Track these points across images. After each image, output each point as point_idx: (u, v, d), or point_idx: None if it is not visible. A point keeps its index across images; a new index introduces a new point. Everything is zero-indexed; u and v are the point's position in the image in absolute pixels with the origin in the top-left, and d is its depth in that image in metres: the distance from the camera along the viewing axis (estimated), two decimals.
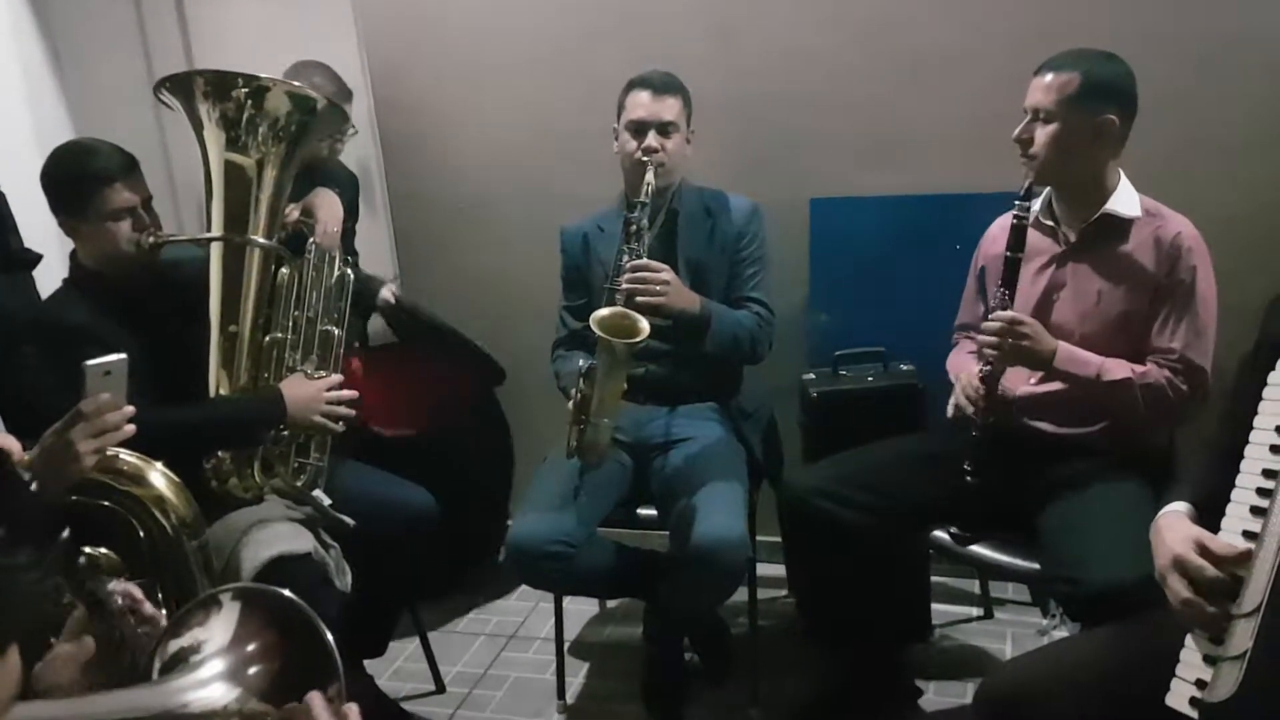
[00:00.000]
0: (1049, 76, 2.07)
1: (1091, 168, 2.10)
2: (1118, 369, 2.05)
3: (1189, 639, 1.42)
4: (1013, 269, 2.10)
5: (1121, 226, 2.11)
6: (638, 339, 2.20)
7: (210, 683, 1.09)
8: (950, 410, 2.24)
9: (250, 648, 1.13)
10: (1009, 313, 2.07)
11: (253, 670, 1.11)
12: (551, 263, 2.67)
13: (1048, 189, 2.21)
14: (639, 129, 2.43)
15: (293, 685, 1.11)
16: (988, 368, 2.12)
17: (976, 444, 2.14)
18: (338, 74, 2.91)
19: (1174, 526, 1.51)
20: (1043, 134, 2.07)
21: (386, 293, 2.98)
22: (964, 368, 2.26)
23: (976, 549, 2.20)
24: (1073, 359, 2.07)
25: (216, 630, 1.15)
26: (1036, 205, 2.21)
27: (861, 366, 2.71)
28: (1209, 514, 1.51)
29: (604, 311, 2.25)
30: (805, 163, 2.87)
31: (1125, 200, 2.11)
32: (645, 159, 2.38)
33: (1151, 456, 2.10)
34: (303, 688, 1.11)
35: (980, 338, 2.12)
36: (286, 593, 1.18)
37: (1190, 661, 1.41)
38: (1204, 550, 1.43)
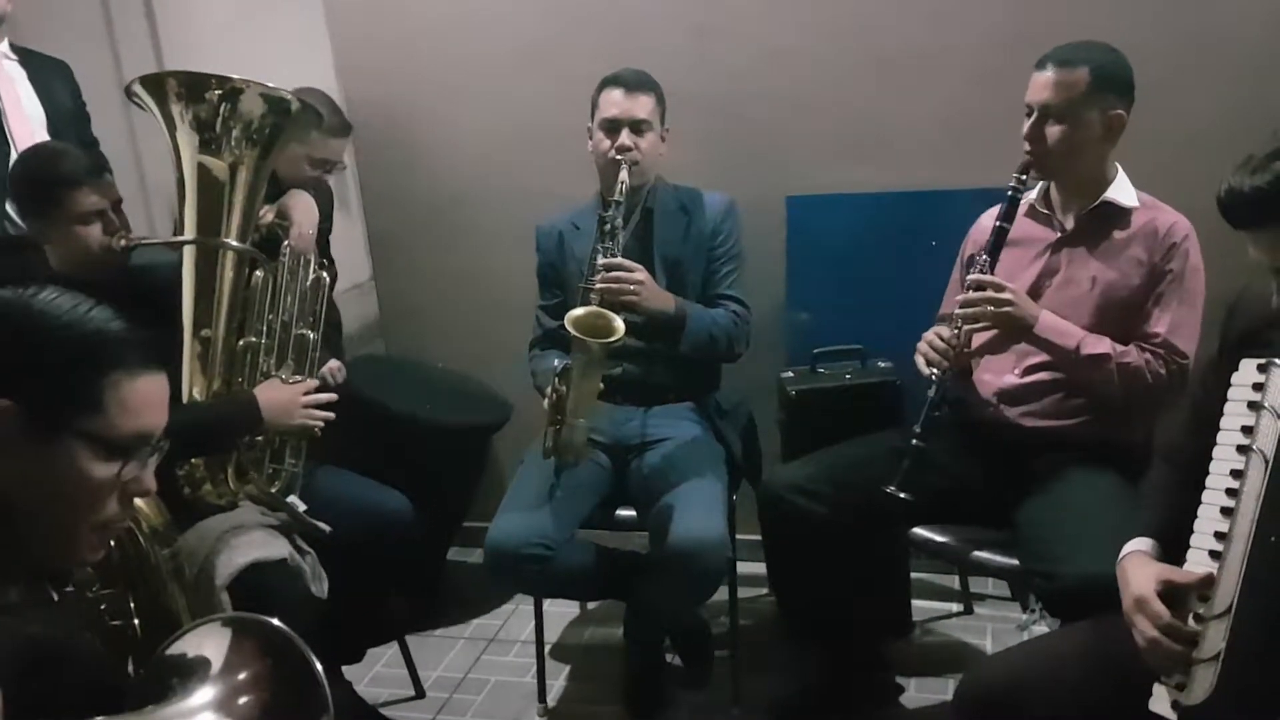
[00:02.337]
0: (1054, 73, 2.04)
1: (1097, 161, 2.11)
2: (1098, 344, 2.05)
3: None
4: (999, 238, 2.09)
5: (1120, 215, 2.12)
6: (613, 338, 2.20)
7: (199, 712, 1.07)
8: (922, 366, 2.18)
9: (241, 676, 1.12)
10: (990, 277, 2.07)
11: (242, 700, 1.10)
12: (527, 262, 2.66)
13: None
14: (612, 127, 2.42)
15: (282, 716, 1.10)
16: (956, 331, 2.10)
17: (932, 407, 2.11)
18: (338, 105, 2.85)
19: (1137, 568, 1.52)
20: (1054, 132, 2.06)
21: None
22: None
23: (955, 543, 2.20)
24: (1055, 328, 2.07)
25: (206, 657, 1.14)
26: (1034, 193, 2.21)
27: (840, 364, 2.71)
28: (1173, 542, 1.52)
29: (579, 311, 2.25)
30: (781, 160, 2.86)
31: (1124, 190, 2.12)
32: (619, 158, 2.38)
33: (1130, 450, 2.10)
34: (292, 718, 1.10)
35: (959, 307, 2.10)
36: (277, 623, 1.17)
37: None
38: (1169, 587, 1.44)
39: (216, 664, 1.13)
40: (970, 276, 2.10)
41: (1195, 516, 1.46)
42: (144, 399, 1.15)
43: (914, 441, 2.09)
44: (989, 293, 2.06)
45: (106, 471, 1.13)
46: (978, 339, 2.17)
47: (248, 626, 1.18)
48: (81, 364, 1.11)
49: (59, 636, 1.23)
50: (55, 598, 1.26)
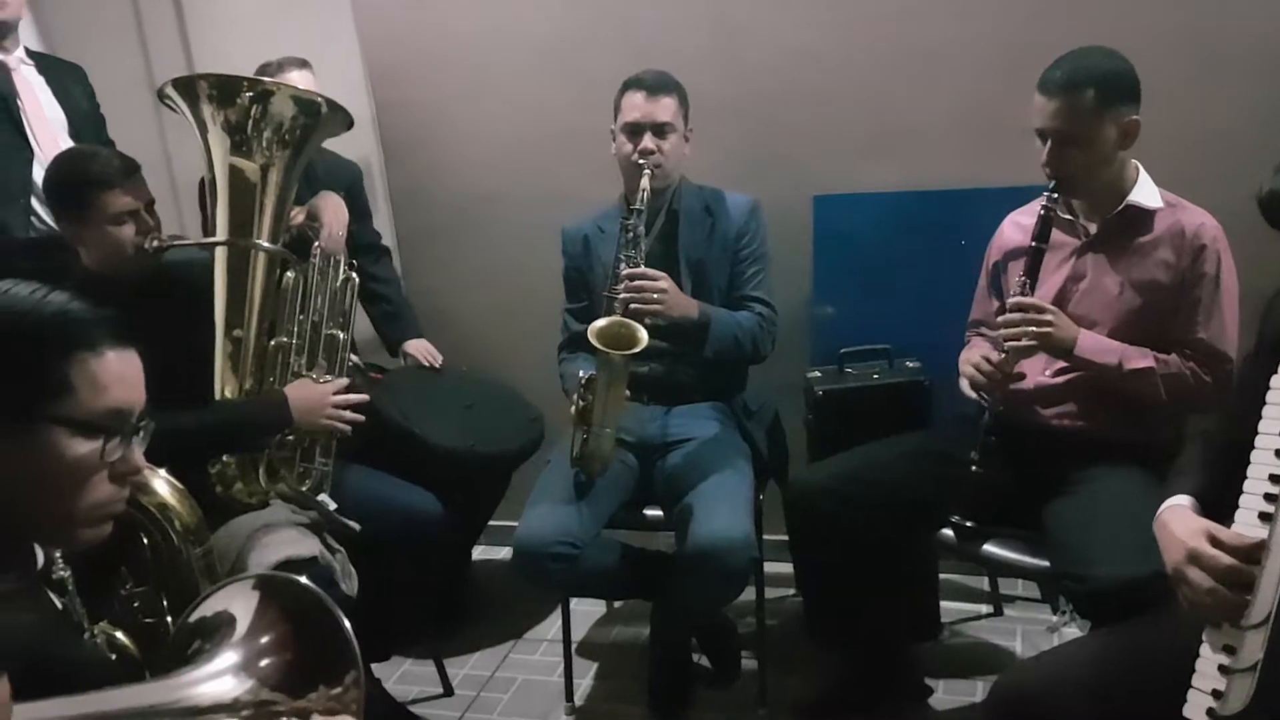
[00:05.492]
0: (1060, 99, 2.00)
1: (1116, 166, 2.09)
2: (1140, 358, 2.04)
3: (1204, 648, 1.40)
4: (1037, 259, 2.08)
5: (1144, 218, 2.10)
6: (636, 349, 2.20)
7: (221, 675, 1.09)
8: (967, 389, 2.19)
9: (265, 639, 1.13)
10: (1030, 299, 2.06)
11: (265, 661, 1.11)
12: (553, 262, 2.67)
13: None
14: (634, 131, 2.41)
15: (307, 674, 1.12)
16: (1001, 356, 2.09)
17: (986, 432, 2.11)
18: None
19: (1181, 520, 1.50)
20: (1073, 156, 2.03)
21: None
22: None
23: (986, 547, 2.19)
24: (1095, 347, 2.06)
25: (231, 620, 1.15)
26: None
27: (867, 364, 2.70)
28: (1210, 508, 1.51)
29: (602, 322, 2.25)
30: (808, 160, 2.85)
31: (1147, 192, 2.10)
32: (641, 162, 2.37)
33: (1162, 451, 2.06)
34: (317, 676, 1.12)
35: (999, 328, 2.09)
36: (303, 580, 1.18)
37: (1206, 672, 1.39)
38: (1215, 542, 1.42)
39: (244, 623, 1.14)
40: (1010, 299, 2.09)
41: (1232, 489, 1.43)
42: (112, 375, 1.16)
43: (973, 469, 2.10)
44: (1029, 314, 2.04)
45: (87, 451, 1.14)
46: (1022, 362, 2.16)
47: (276, 586, 1.20)
48: (44, 349, 1.12)
49: (55, 626, 1.24)
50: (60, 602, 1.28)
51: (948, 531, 2.24)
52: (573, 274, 2.63)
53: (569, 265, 2.63)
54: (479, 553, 3.28)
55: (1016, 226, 2.28)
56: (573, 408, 2.32)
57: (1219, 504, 1.48)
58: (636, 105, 2.41)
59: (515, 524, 2.30)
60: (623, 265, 2.32)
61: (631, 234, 2.32)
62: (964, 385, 2.18)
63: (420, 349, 3.01)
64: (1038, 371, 2.18)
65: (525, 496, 2.40)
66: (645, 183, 2.34)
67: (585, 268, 2.59)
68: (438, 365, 3.00)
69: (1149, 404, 2.06)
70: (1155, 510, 1.59)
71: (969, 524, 2.13)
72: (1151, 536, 1.57)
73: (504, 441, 2.77)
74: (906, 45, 2.74)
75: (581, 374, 2.31)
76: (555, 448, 2.55)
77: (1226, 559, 1.39)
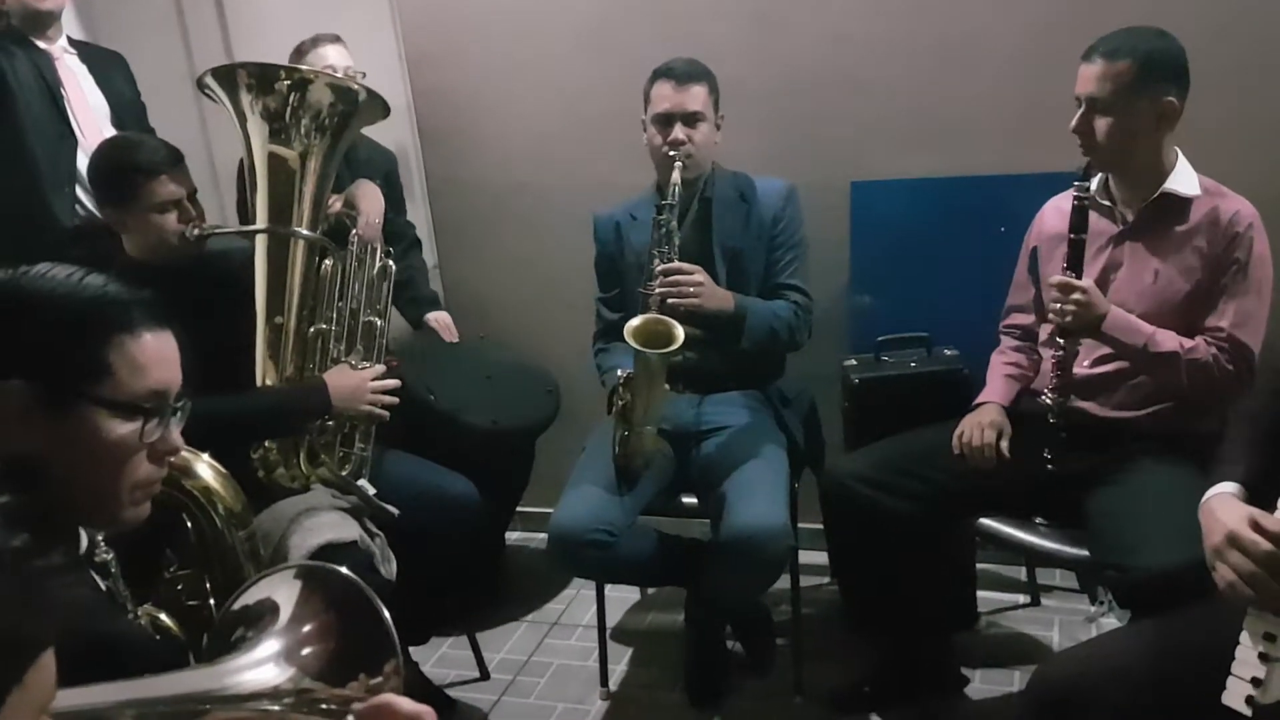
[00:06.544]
0: (1101, 64, 2.00)
1: (1152, 150, 2.07)
2: (1167, 341, 2.02)
3: (1244, 635, 1.39)
4: (1077, 251, 2.06)
5: (1181, 205, 2.07)
6: (673, 348, 2.19)
7: (263, 663, 1.10)
8: (955, 446, 2.21)
9: (307, 628, 1.14)
10: (1061, 277, 2.04)
11: (307, 650, 1.12)
12: (589, 249, 2.67)
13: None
14: (665, 121, 2.39)
15: (348, 663, 1.13)
16: (1060, 353, 2.09)
17: (1057, 430, 2.10)
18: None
19: (1227, 506, 1.50)
20: (1102, 124, 2.02)
21: None
22: (991, 386, 2.28)
23: (1025, 536, 2.19)
24: (1123, 326, 2.03)
25: (274, 609, 1.17)
26: (1094, 185, 2.17)
27: (904, 352, 2.67)
28: (1258, 495, 1.50)
29: (637, 320, 2.24)
30: (846, 146, 2.83)
31: (1184, 179, 2.08)
32: (672, 153, 2.35)
33: (1204, 441, 2.04)
34: (357, 665, 1.13)
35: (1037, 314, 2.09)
36: (345, 570, 1.19)
37: (1246, 659, 1.38)
38: (1258, 527, 1.41)
39: (286, 612, 1.15)
40: (1051, 280, 2.09)
41: (1276, 474, 1.42)
42: (150, 356, 1.17)
43: (1049, 467, 2.10)
44: (1060, 291, 2.04)
45: (127, 432, 1.15)
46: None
47: (317, 576, 1.21)
48: (83, 332, 1.13)
49: (98, 605, 1.26)
50: (104, 585, 1.30)
51: (985, 521, 2.23)
52: (604, 261, 2.63)
53: (600, 252, 2.63)
54: (515, 538, 3.31)
55: (1058, 212, 2.25)
56: (611, 409, 2.31)
57: (1263, 489, 1.47)
58: (666, 95, 2.39)
59: (551, 510, 2.31)
60: (656, 261, 2.31)
61: (664, 229, 2.31)
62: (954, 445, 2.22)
63: (440, 320, 3.03)
64: (1079, 362, 2.16)
65: (559, 482, 2.41)
66: (676, 176, 2.33)
67: (617, 256, 2.58)
68: (456, 339, 3.03)
69: (1172, 391, 2.05)
70: (1197, 501, 1.58)
71: (1008, 519, 2.13)
72: (1193, 527, 1.56)
73: (523, 416, 2.85)
74: (945, 31, 2.70)
75: (620, 372, 2.31)
76: (591, 434, 2.56)
77: (1266, 544, 1.39)
